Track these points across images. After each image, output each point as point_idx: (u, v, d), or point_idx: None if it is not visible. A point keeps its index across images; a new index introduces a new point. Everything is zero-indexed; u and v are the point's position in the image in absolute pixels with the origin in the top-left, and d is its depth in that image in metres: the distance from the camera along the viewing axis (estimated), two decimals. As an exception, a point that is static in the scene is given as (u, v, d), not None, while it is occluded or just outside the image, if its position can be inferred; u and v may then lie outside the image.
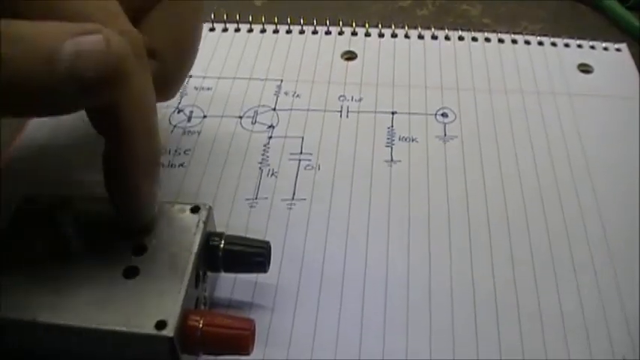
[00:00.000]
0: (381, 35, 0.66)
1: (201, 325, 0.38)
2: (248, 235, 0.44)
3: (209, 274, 0.43)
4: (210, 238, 0.42)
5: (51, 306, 0.37)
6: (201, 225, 0.42)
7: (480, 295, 0.45)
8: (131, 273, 0.39)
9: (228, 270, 0.43)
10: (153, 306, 0.37)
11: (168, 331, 0.36)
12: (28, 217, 0.42)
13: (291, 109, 0.58)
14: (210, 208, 0.43)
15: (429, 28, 0.66)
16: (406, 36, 0.66)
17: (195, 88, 0.61)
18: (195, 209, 0.43)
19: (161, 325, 0.36)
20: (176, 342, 0.36)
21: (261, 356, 0.42)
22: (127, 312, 0.37)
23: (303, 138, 0.56)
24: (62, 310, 0.37)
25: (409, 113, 0.58)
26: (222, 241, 0.42)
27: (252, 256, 0.43)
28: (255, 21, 0.67)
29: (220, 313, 0.42)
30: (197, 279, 0.40)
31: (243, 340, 0.38)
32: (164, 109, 0.59)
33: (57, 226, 0.39)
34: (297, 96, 0.60)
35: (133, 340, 0.37)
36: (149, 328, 0.36)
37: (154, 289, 0.38)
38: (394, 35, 0.66)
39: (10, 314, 0.37)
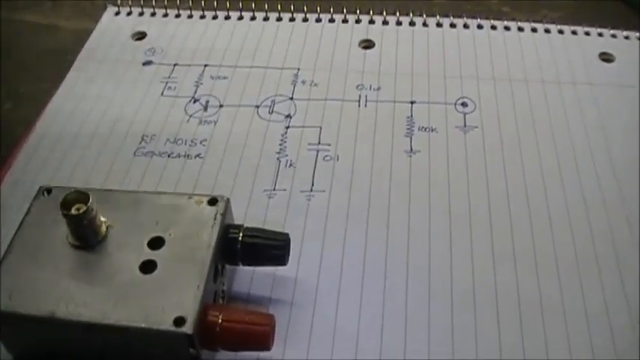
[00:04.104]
0: (398, 23, 0.65)
1: (220, 321, 0.37)
2: (266, 227, 0.43)
3: (227, 267, 0.42)
4: (228, 231, 0.42)
5: (68, 301, 0.37)
6: (219, 217, 0.41)
7: (501, 284, 0.45)
8: (148, 267, 0.39)
9: (246, 263, 0.43)
10: (171, 301, 0.37)
11: (187, 328, 0.36)
12: (45, 209, 0.42)
13: (308, 99, 0.58)
14: (227, 200, 0.42)
15: (447, 16, 0.65)
16: (424, 24, 0.65)
17: (212, 77, 0.60)
18: (212, 201, 0.42)
19: (180, 321, 0.36)
20: (195, 338, 0.36)
21: (281, 354, 0.41)
22: (144, 307, 0.37)
23: (321, 128, 0.55)
24: (79, 306, 0.37)
25: (428, 102, 0.57)
26: (241, 234, 0.42)
27: (271, 248, 0.42)
28: (271, 9, 0.67)
29: (240, 308, 0.42)
30: (216, 273, 0.40)
31: (263, 336, 0.38)
32: (180, 98, 0.58)
33: (74, 220, 0.39)
34: (315, 85, 0.59)
35: (151, 336, 0.36)
36: (168, 325, 0.36)
37: (171, 284, 0.38)
38: (412, 23, 0.65)
39: (28, 309, 0.37)
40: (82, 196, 0.39)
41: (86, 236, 0.40)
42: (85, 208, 0.38)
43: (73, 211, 0.38)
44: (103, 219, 0.40)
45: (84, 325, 0.36)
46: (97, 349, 0.39)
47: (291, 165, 0.52)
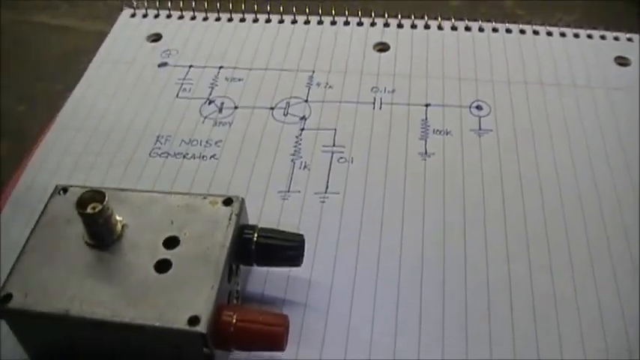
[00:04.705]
0: (413, 26, 0.65)
1: (234, 321, 0.37)
2: (280, 229, 0.43)
3: (242, 267, 0.43)
4: (243, 231, 0.42)
5: (82, 300, 0.37)
6: (234, 218, 0.41)
7: (517, 289, 0.44)
8: (163, 266, 0.39)
9: (261, 264, 0.43)
10: (185, 300, 0.37)
11: (201, 327, 0.36)
12: (61, 208, 0.42)
13: (323, 101, 0.58)
14: (242, 201, 0.43)
15: (462, 19, 0.65)
16: (439, 27, 0.65)
17: (227, 79, 0.60)
18: (227, 202, 0.42)
19: (194, 320, 0.36)
20: (209, 338, 0.36)
21: (294, 354, 0.41)
22: (159, 306, 0.37)
23: (335, 130, 0.55)
24: (94, 304, 0.37)
25: (443, 105, 0.57)
26: (256, 234, 0.42)
27: (286, 249, 0.42)
28: (286, 12, 0.67)
29: (253, 309, 0.42)
30: (230, 273, 0.40)
31: (277, 337, 0.38)
32: (195, 99, 0.58)
33: (89, 219, 0.39)
34: (330, 87, 0.59)
35: (165, 335, 0.36)
36: (182, 324, 0.36)
37: (186, 283, 0.38)
38: (427, 26, 0.65)
39: (43, 307, 0.37)
40: (97, 195, 0.39)
41: (101, 235, 0.40)
42: (100, 207, 0.39)
43: (89, 210, 0.39)
44: (118, 218, 0.41)
45: (98, 324, 0.37)
46: (112, 348, 0.39)
47: (305, 167, 0.53)
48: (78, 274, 0.38)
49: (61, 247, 0.40)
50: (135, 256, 0.39)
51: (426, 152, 0.53)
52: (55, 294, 0.37)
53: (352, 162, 0.53)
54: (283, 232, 0.43)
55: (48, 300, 0.37)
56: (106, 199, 0.39)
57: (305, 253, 0.43)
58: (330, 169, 0.52)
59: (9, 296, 0.38)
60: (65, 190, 0.43)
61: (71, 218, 0.40)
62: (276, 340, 0.38)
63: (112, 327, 0.37)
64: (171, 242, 0.40)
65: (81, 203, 0.39)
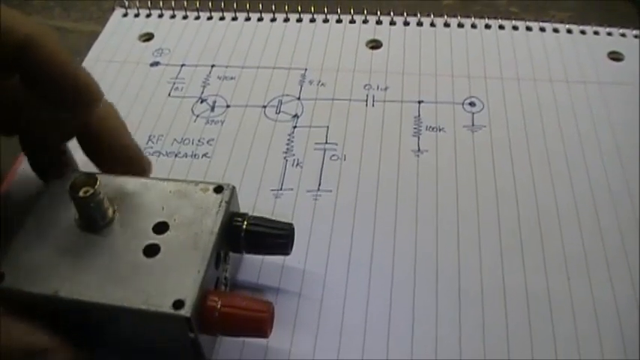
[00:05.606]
0: (406, 24, 0.65)
1: (219, 306, 0.37)
2: (272, 221, 0.44)
3: (231, 255, 0.42)
4: (232, 219, 0.42)
5: (72, 281, 0.37)
6: (224, 205, 0.41)
7: (510, 285, 0.44)
8: (152, 251, 0.39)
9: (250, 251, 0.43)
10: (172, 285, 0.37)
11: (186, 311, 0.36)
12: (56, 192, 0.42)
13: (315, 99, 0.58)
14: (233, 188, 0.43)
15: (455, 16, 0.65)
16: (432, 24, 0.65)
17: (219, 78, 0.60)
18: (218, 189, 0.42)
19: (179, 304, 0.36)
20: (193, 322, 0.36)
21: (289, 343, 0.41)
22: (145, 290, 0.37)
23: (328, 127, 0.55)
24: (82, 286, 0.37)
25: (436, 102, 0.57)
26: (245, 222, 0.42)
27: (274, 237, 0.42)
28: (277, 10, 0.67)
29: (239, 295, 0.42)
30: (218, 259, 0.40)
31: (260, 323, 0.38)
32: (187, 98, 0.58)
33: (81, 203, 0.39)
34: (322, 85, 0.59)
35: (150, 319, 0.36)
36: (167, 307, 0.36)
37: (173, 268, 0.38)
38: (420, 24, 0.65)
39: (33, 288, 0.37)
40: (90, 179, 0.39)
41: (93, 219, 0.40)
42: (92, 191, 0.39)
43: (81, 194, 0.39)
44: (110, 202, 0.41)
45: (85, 305, 0.37)
46: (100, 330, 0.39)
47: (298, 164, 0.52)
48: (69, 256, 0.39)
49: (54, 230, 0.40)
50: (124, 240, 0.39)
51: (418, 149, 0.53)
52: (45, 275, 0.38)
53: (345, 159, 0.53)
54: (273, 220, 0.43)
55: (38, 281, 0.38)
56: (98, 183, 0.39)
57: (298, 250, 0.43)
58: (322, 166, 0.52)
59: (1, 276, 0.38)
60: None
61: (65, 202, 0.41)
62: (259, 326, 0.38)
63: (99, 309, 0.37)
64: (160, 227, 0.40)
65: (74, 187, 0.39)
